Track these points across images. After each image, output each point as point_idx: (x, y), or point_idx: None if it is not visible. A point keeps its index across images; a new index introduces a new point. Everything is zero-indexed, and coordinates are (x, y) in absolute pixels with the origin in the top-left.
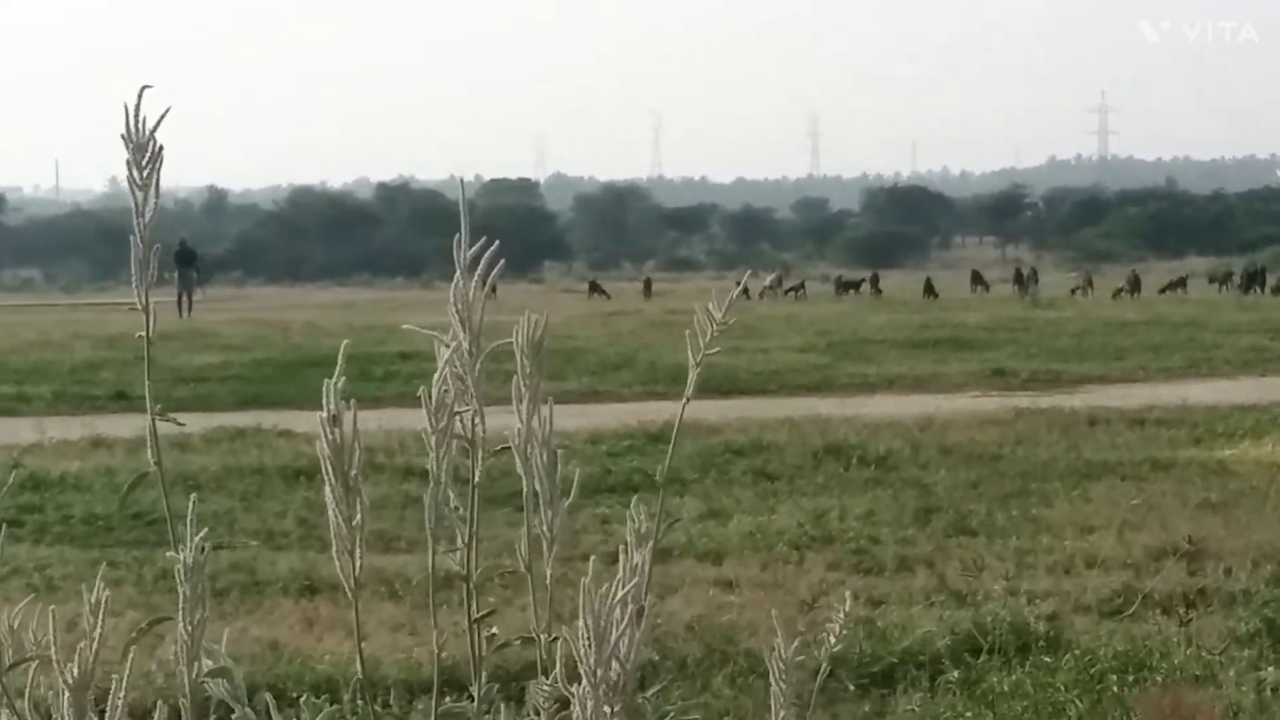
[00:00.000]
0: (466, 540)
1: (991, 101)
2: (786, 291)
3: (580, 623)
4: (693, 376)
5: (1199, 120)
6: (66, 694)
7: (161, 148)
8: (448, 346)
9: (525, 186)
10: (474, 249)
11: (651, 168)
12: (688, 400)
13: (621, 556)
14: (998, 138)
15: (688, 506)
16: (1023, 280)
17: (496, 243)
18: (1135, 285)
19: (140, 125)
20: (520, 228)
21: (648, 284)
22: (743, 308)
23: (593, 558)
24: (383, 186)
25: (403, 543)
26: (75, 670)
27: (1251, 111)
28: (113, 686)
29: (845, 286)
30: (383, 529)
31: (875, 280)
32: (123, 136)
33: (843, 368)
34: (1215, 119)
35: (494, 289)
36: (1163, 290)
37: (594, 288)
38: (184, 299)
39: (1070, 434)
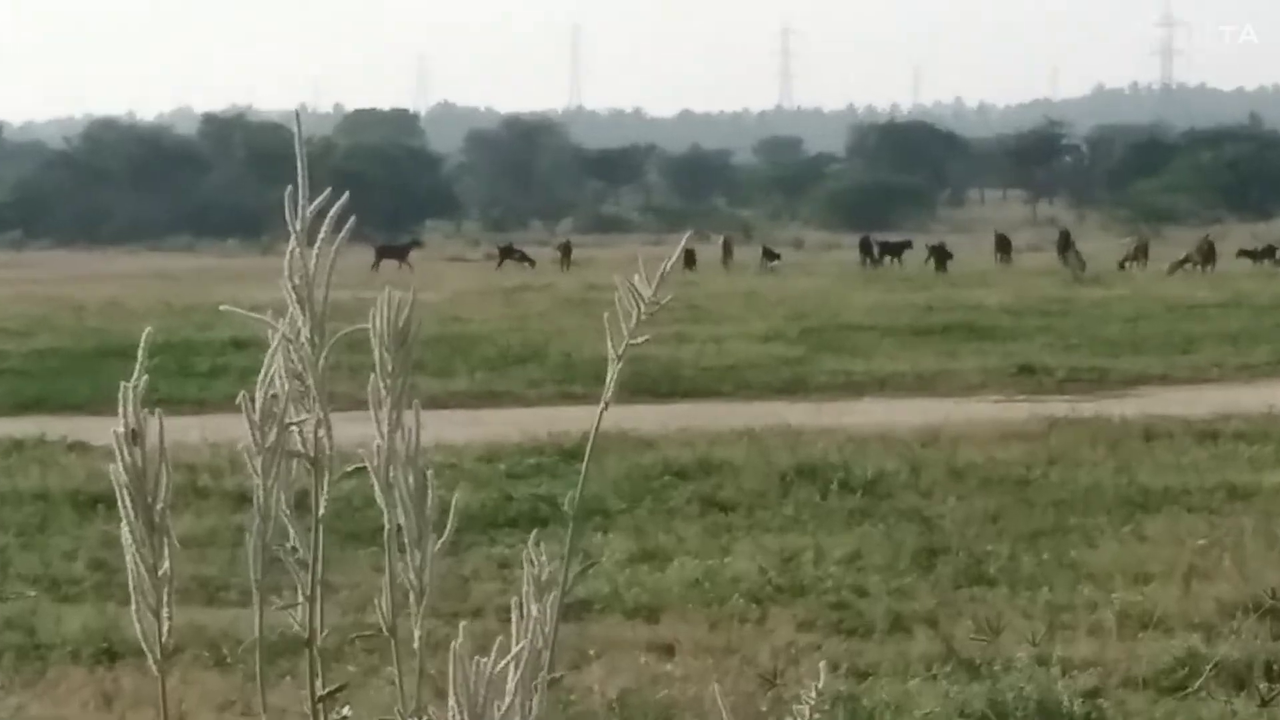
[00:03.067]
0: (309, 591)
1: (1019, 13)
2: (771, 260)
3: (450, 700)
4: (613, 374)
5: None
6: None
7: None
8: (284, 336)
9: (401, 119)
10: (318, 202)
11: (569, 97)
12: (607, 405)
13: (515, 613)
14: (1027, 60)
15: (613, 545)
16: (1069, 246)
17: (346, 194)
18: (1208, 255)
19: None
20: (394, 174)
21: (565, 250)
22: (686, 282)
23: (462, 625)
24: (210, 119)
25: (233, 593)
26: None
27: None
28: None
29: (884, 252)
30: (207, 575)
31: (938, 251)
32: None
33: (820, 362)
34: None
35: (408, 258)
36: (1240, 255)
37: (508, 254)
38: None
39: (1120, 451)
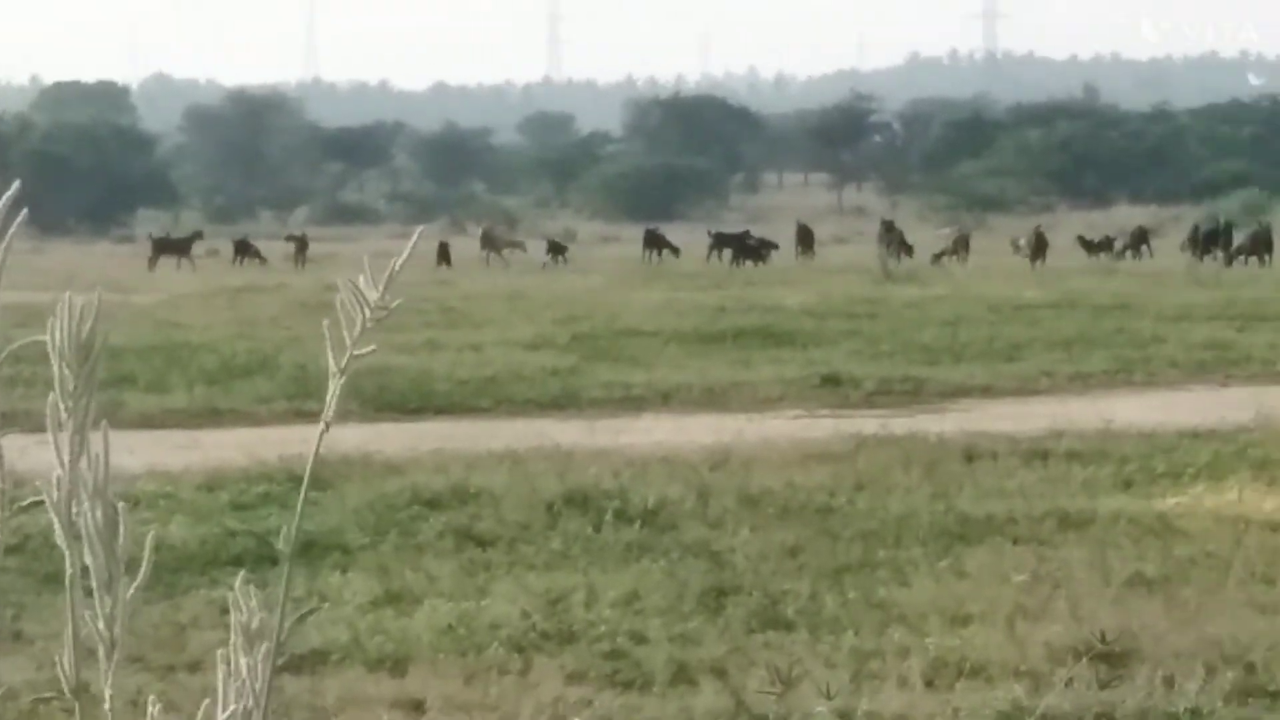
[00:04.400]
0: None
1: None
2: (556, 254)
3: None
4: (335, 390)
5: (1132, 2)
6: None
7: None
8: None
9: (108, 94)
10: None
11: (304, 68)
12: (327, 426)
13: (221, 668)
14: (831, 25)
15: (354, 586)
16: (895, 238)
17: (16, 183)
18: (1039, 248)
19: None
20: (101, 157)
21: (301, 245)
22: (441, 281)
23: (152, 698)
24: None
25: None
26: None
27: None
28: None
29: (721, 245)
30: None
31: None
32: None
33: (594, 373)
34: (1156, 1)
35: (190, 253)
36: (1080, 243)
37: (244, 249)
38: None
39: (937, 474)
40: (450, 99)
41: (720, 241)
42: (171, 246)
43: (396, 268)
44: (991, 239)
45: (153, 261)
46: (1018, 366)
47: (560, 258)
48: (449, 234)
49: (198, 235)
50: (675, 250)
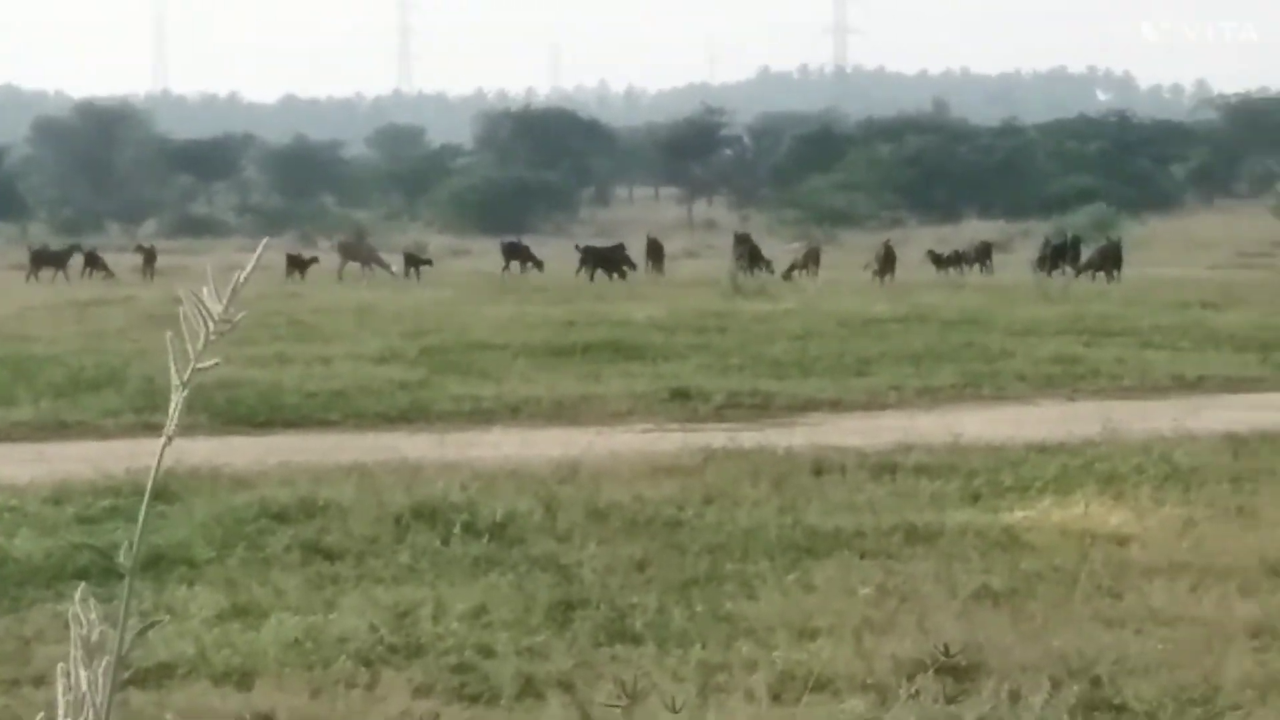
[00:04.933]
0: None
1: None
2: (416, 267)
3: None
4: (177, 402)
5: (982, 18)
6: None
7: None
8: None
9: None
10: None
11: (153, 80)
12: (170, 439)
13: (61, 681)
14: (681, 39)
15: (200, 600)
16: (747, 250)
17: None
18: (887, 262)
19: None
20: None
21: (149, 256)
22: (291, 294)
23: None
24: None
25: None
26: None
27: (1061, 7)
28: None
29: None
30: None
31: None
32: None
33: (443, 386)
34: (1005, 17)
35: (67, 265)
36: (929, 256)
37: (91, 262)
38: None
39: (786, 488)
40: (300, 112)
41: (588, 255)
42: (50, 259)
43: (241, 280)
44: (842, 253)
45: (31, 273)
46: (866, 381)
47: (416, 271)
48: (299, 247)
49: (76, 247)
50: (539, 264)
